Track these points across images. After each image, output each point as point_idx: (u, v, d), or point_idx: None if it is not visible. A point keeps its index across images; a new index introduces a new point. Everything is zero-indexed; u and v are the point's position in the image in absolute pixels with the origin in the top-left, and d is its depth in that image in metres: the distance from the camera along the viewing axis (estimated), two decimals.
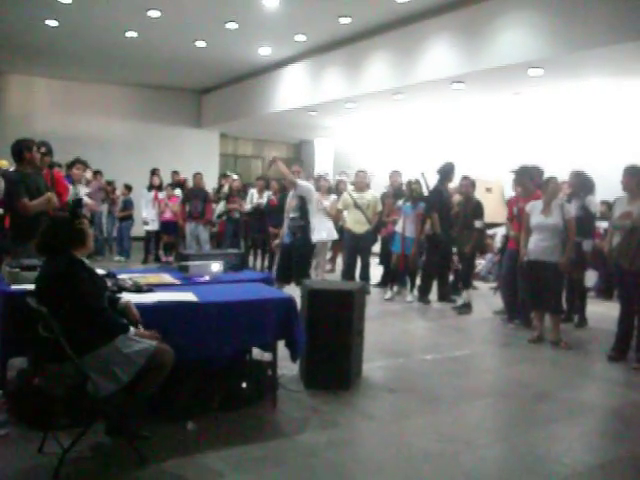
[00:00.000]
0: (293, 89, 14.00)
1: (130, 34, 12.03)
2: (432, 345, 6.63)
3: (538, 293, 6.74)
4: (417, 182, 9.18)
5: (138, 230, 13.32)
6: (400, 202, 9.27)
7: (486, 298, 9.37)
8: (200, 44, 12.69)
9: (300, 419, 4.34)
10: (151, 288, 4.34)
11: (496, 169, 8.03)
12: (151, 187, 12.78)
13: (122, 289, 4.19)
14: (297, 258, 7.23)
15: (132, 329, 3.51)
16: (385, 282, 9.46)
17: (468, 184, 8.34)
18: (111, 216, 13.46)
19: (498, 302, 8.17)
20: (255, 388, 4.52)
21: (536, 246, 6.66)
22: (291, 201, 7.49)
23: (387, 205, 9.57)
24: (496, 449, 4.01)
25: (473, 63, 9.75)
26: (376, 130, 16.69)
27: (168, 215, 12.41)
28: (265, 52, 13.46)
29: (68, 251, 3.49)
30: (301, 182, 7.56)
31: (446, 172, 9.02)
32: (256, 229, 11.46)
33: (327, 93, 12.92)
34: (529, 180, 7.46)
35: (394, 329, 7.32)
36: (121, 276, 4.76)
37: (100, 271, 4.75)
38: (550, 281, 6.61)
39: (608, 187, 7.54)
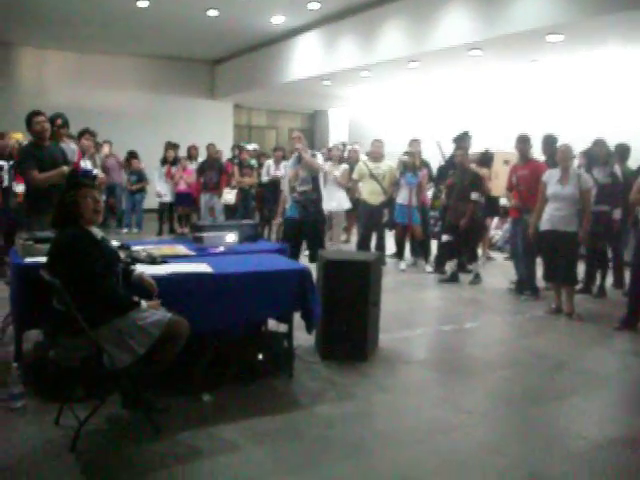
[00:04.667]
0: (307, 58, 13.81)
1: (141, 3, 11.87)
2: (448, 316, 6.57)
3: (553, 264, 6.65)
4: (409, 153, 9.09)
5: (149, 202, 13.30)
6: (397, 173, 9.19)
7: (501, 268, 9.28)
8: (212, 13, 12.50)
9: (316, 391, 4.31)
10: (165, 259, 4.30)
11: (514, 140, 7.88)
12: (165, 161, 12.69)
13: (136, 260, 4.15)
14: (312, 233, 7.04)
15: (144, 303, 3.47)
16: (400, 253, 9.38)
17: (462, 154, 8.22)
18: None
19: (512, 273, 8.09)
20: (271, 359, 4.49)
21: (551, 216, 6.54)
22: (293, 172, 7.24)
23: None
24: (514, 422, 3.96)
25: (490, 29, 9.53)
26: (391, 99, 16.48)
27: (183, 187, 12.36)
28: (278, 20, 13.26)
29: (76, 223, 3.44)
30: (306, 154, 7.26)
31: (461, 141, 8.87)
32: (272, 201, 11.39)
33: (341, 62, 12.73)
34: (527, 147, 7.40)
35: (410, 300, 7.27)
36: (135, 248, 4.73)
37: (114, 243, 4.75)
38: (565, 252, 6.51)
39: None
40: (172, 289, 3.87)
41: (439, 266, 8.82)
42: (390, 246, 9.78)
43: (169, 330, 3.41)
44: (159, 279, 3.80)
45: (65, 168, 5.70)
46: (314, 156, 7.19)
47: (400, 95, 15.87)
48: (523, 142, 7.38)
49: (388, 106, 17.02)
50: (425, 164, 9.62)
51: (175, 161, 12.63)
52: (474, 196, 7.95)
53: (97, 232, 3.56)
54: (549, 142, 7.84)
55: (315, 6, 12.05)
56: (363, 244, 9.45)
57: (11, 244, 7.28)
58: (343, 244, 10.89)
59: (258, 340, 4.55)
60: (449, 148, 9.16)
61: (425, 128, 13.90)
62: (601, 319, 6.52)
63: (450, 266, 8.31)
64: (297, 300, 4.25)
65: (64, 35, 14.65)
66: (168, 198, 12.59)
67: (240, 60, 16.80)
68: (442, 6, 10.24)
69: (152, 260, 4.22)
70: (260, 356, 4.42)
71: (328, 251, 5.30)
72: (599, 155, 7.42)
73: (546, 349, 5.48)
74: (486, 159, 9.34)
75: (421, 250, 9.37)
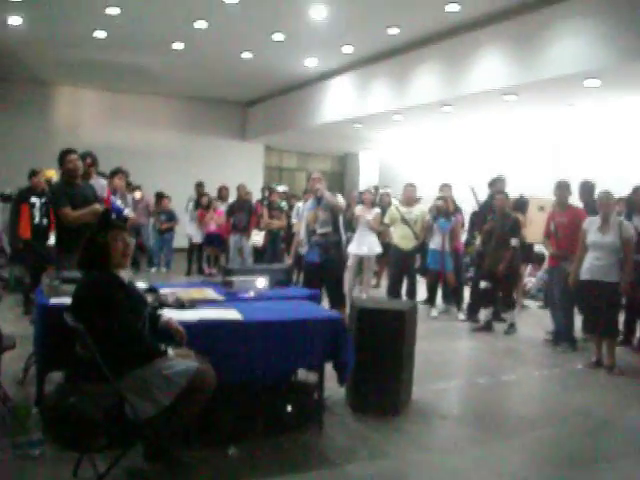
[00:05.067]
0: (339, 101, 13.81)
1: (176, 45, 12.00)
2: (483, 367, 6.31)
3: (593, 315, 6.39)
4: (442, 198, 8.94)
5: (178, 241, 13.24)
6: (428, 217, 9.02)
7: (535, 317, 8.99)
8: (246, 55, 12.60)
9: (347, 447, 4.09)
10: (193, 304, 4.15)
11: (549, 186, 7.71)
12: (198, 205, 12.66)
13: (163, 305, 4.01)
14: (332, 277, 6.65)
15: (171, 351, 3.31)
16: (432, 299, 9.17)
17: (503, 199, 8.01)
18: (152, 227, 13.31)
19: (547, 322, 7.82)
20: (300, 411, 4.28)
21: (591, 265, 6.31)
22: (312, 214, 6.86)
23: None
24: None
25: (526, 74, 9.42)
26: (423, 143, 16.40)
27: (212, 227, 12.30)
28: (311, 63, 13.32)
29: (103, 266, 3.31)
30: (327, 194, 6.94)
31: (496, 185, 8.70)
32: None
33: (374, 105, 12.70)
34: (566, 193, 7.21)
35: (443, 349, 7.02)
36: (163, 290, 4.60)
37: (141, 285, 4.62)
38: (605, 302, 6.25)
39: None
40: (200, 336, 3.71)
41: (472, 314, 8.57)
42: (421, 292, 9.56)
43: (196, 380, 3.25)
44: (187, 325, 3.65)
45: (97, 206, 5.64)
46: (334, 196, 6.97)
47: (432, 139, 15.79)
48: (562, 188, 7.19)
49: (420, 150, 16.93)
50: (457, 209, 9.45)
51: (209, 206, 12.55)
52: (514, 242, 7.74)
53: (124, 276, 3.43)
54: (586, 188, 7.64)
55: (349, 50, 12.08)
56: (393, 290, 9.24)
57: (39, 282, 7.23)
58: (373, 289, 10.69)
59: (287, 391, 4.34)
60: (483, 194, 8.97)
61: (457, 173, 13.75)
62: None
63: (485, 314, 8.06)
64: (329, 350, 4.07)
65: (99, 74, 14.85)
66: (198, 239, 12.52)
67: (272, 102, 16.90)
68: (476, 50, 10.17)
69: (180, 305, 4.08)
70: (289, 408, 4.22)
71: (361, 299, 5.12)
72: (639, 202, 7.19)
73: (588, 406, 5.19)
74: (520, 205, 9.13)
75: (454, 297, 9.14)
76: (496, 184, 8.60)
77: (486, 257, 7.97)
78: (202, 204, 12.57)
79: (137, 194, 12.88)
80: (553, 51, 8.97)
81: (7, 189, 11.36)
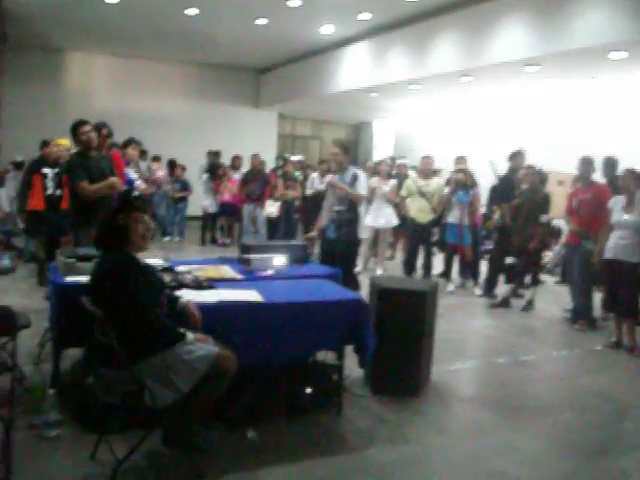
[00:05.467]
0: (355, 69, 13.54)
1: (190, 11, 11.75)
2: (501, 346, 6.23)
3: (614, 294, 6.29)
4: (462, 171, 8.79)
5: (191, 210, 13.15)
6: (446, 190, 8.90)
7: (553, 293, 8.87)
8: (261, 22, 12.34)
9: (367, 430, 4.03)
10: (212, 284, 4.07)
11: (569, 160, 7.53)
12: (212, 174, 12.50)
13: (181, 285, 3.93)
14: (341, 255, 6.35)
15: (190, 335, 3.24)
16: (448, 274, 9.06)
17: (533, 174, 7.81)
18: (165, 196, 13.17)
19: (564, 299, 7.72)
20: (319, 393, 4.22)
21: (615, 244, 6.20)
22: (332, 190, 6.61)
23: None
24: (586, 477, 3.62)
25: (549, 45, 9.13)
26: (441, 113, 16.12)
27: (227, 197, 12.19)
28: (327, 31, 13.03)
29: (120, 248, 3.22)
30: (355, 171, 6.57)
31: (516, 160, 8.51)
32: (316, 215, 11.12)
33: (390, 74, 12.43)
34: (590, 170, 7.04)
35: (461, 326, 6.93)
36: (180, 268, 4.53)
37: (158, 262, 4.55)
38: (627, 283, 6.14)
39: None
40: (219, 318, 3.64)
41: (489, 289, 8.47)
42: (437, 265, 9.46)
43: (216, 366, 3.17)
44: (206, 307, 3.57)
45: (114, 179, 5.56)
46: (356, 178, 6.37)
47: (450, 110, 15.51)
48: (586, 164, 7.02)
49: (437, 120, 16.65)
50: (475, 183, 9.28)
51: (223, 175, 12.40)
52: (544, 218, 7.61)
53: (143, 259, 3.34)
54: (609, 165, 7.49)
55: (366, 16, 11.79)
56: (409, 263, 9.18)
57: (53, 253, 7.17)
58: (388, 261, 10.60)
59: (306, 372, 4.28)
60: (502, 168, 8.79)
61: (475, 145, 13.54)
62: None
63: (505, 290, 7.95)
64: (351, 333, 3.98)
65: (111, 40, 14.62)
66: (213, 209, 12.40)
67: (286, 69, 16.63)
68: (498, 20, 9.88)
69: (198, 285, 3.99)
70: (308, 390, 4.15)
71: (382, 277, 5.01)
72: None
73: (609, 389, 5.11)
74: (539, 179, 8.96)
75: (470, 271, 9.04)
76: (516, 158, 8.41)
77: (514, 233, 7.78)
78: (218, 174, 12.44)
79: (155, 165, 12.77)
80: (577, 22, 8.68)
81: (18, 157, 11.31)
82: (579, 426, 4.35)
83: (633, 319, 6.30)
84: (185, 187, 12.73)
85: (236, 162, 12.65)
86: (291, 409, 4.09)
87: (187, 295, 3.69)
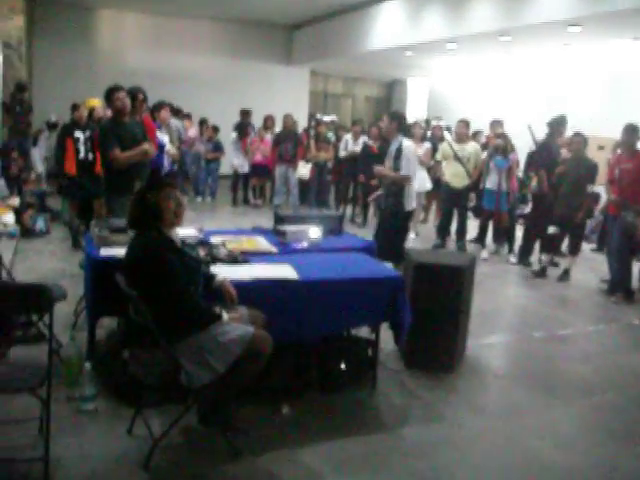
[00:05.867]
0: (389, 27, 13.19)
1: None
2: (537, 319, 6.11)
3: None
4: (502, 135, 8.59)
5: (222, 169, 13.07)
6: (483, 155, 8.71)
7: (589, 262, 8.69)
8: None
9: (402, 407, 4.01)
10: (247, 259, 4.03)
11: (611, 125, 7.29)
12: (241, 132, 12.36)
13: (216, 260, 3.90)
14: (385, 226, 6.29)
15: (225, 315, 3.20)
16: (482, 240, 8.93)
17: (581, 141, 7.56)
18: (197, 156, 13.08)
19: (600, 268, 7.56)
20: (354, 368, 4.19)
21: None
22: (388, 160, 6.42)
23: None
24: (624, 462, 3.55)
25: (593, 4, 8.81)
26: (478, 74, 15.73)
27: (259, 157, 12.09)
28: None
29: (153, 227, 3.18)
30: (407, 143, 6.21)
31: (557, 125, 8.26)
32: (349, 177, 11.02)
33: (426, 32, 12.09)
34: (634, 138, 6.77)
35: (496, 297, 6.82)
36: (214, 239, 4.49)
37: (192, 232, 4.51)
38: None
39: None
40: (254, 295, 3.60)
41: (524, 257, 8.33)
42: (470, 230, 9.32)
43: (252, 347, 3.14)
44: (241, 284, 3.53)
45: (147, 146, 5.50)
46: (399, 152, 6.05)
47: (487, 70, 15.13)
48: (630, 132, 6.78)
49: (473, 81, 16.25)
50: (512, 148, 9.06)
51: (246, 132, 12.28)
52: (590, 188, 7.38)
53: (177, 237, 3.30)
54: None
55: None
56: (443, 228, 9.08)
57: (88, 217, 7.20)
58: (421, 224, 10.47)
59: (340, 347, 4.24)
60: (540, 132, 8.55)
61: (512, 108, 13.21)
62: None
63: (544, 260, 7.80)
64: (387, 310, 3.92)
65: None
66: (244, 169, 12.30)
67: (319, 26, 16.28)
68: None
69: (233, 259, 3.95)
70: (343, 366, 4.12)
71: (418, 251, 4.92)
72: None
73: None
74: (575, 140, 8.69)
75: (506, 238, 8.89)
76: (556, 124, 8.16)
77: (557, 202, 7.56)
78: (247, 133, 12.32)
79: (187, 123, 12.67)
80: None
81: (53, 117, 11.32)
82: (617, 408, 4.26)
83: None
84: (217, 148, 12.62)
85: (268, 122, 12.49)
86: (326, 384, 4.08)
87: (221, 270, 3.65)
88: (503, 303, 6.73)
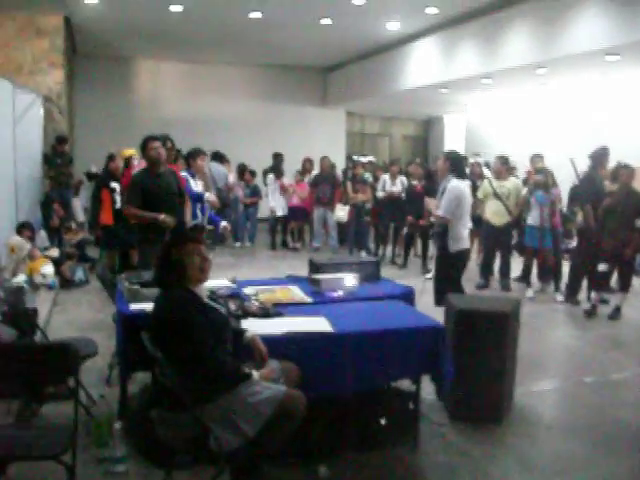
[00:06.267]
0: (423, 65, 13.15)
1: (254, 14, 11.63)
2: (589, 362, 5.82)
3: None
4: (542, 170, 8.37)
5: (260, 212, 13.04)
6: (524, 191, 8.50)
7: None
8: (325, 21, 12.11)
9: (446, 466, 3.77)
10: (279, 312, 3.88)
11: None
12: (277, 174, 12.32)
13: (247, 314, 3.76)
14: (435, 271, 6.26)
15: (255, 374, 3.05)
16: (527, 278, 8.65)
17: (629, 174, 7.28)
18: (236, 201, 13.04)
19: None
20: (394, 423, 3.98)
21: None
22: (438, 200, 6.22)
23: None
24: None
25: (630, 32, 8.59)
26: (515, 107, 15.50)
27: (296, 201, 12.04)
28: (394, 27, 12.69)
29: (178, 284, 3.06)
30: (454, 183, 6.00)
31: (600, 157, 8.00)
32: (388, 218, 10.86)
33: (460, 69, 12.00)
34: None
35: (543, 339, 6.53)
36: (247, 290, 4.37)
37: (224, 283, 4.41)
38: None
39: None
40: (286, 349, 3.45)
41: (571, 294, 8.03)
42: (514, 268, 9.05)
43: (284, 407, 2.97)
44: (273, 340, 3.39)
45: (162, 217, 5.40)
46: (444, 191, 5.97)
47: (524, 103, 14.89)
48: None
49: (511, 115, 16.01)
50: (554, 183, 8.81)
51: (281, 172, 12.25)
52: (639, 223, 7.07)
53: (204, 292, 3.18)
54: None
55: (433, 11, 11.40)
56: (486, 267, 8.87)
57: (127, 266, 7.18)
58: None
59: (379, 401, 4.04)
60: (582, 166, 8.30)
61: (552, 141, 12.94)
62: None
63: (594, 298, 7.47)
64: (428, 362, 3.72)
65: (178, 47, 14.70)
66: (282, 212, 12.23)
67: (353, 67, 16.35)
68: (574, 7, 9.32)
69: (265, 313, 3.81)
70: (383, 421, 3.92)
71: (459, 296, 4.72)
72: None
73: None
74: (621, 173, 8.41)
75: (552, 275, 8.59)
76: (599, 156, 7.90)
77: (606, 237, 7.25)
78: (282, 174, 12.26)
79: (230, 178, 12.69)
80: None
81: (93, 167, 11.46)
82: None
83: None
84: (255, 192, 12.62)
85: (307, 165, 12.48)
86: (364, 441, 3.87)
87: (253, 324, 3.52)
88: (551, 345, 6.44)
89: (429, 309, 5.04)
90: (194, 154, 7.17)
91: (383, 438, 3.92)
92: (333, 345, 3.53)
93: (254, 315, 3.77)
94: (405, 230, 10.56)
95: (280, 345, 3.42)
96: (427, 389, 4.12)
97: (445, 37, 12.40)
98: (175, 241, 3.15)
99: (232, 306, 3.75)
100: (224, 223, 7.12)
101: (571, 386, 5.22)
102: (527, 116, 15.33)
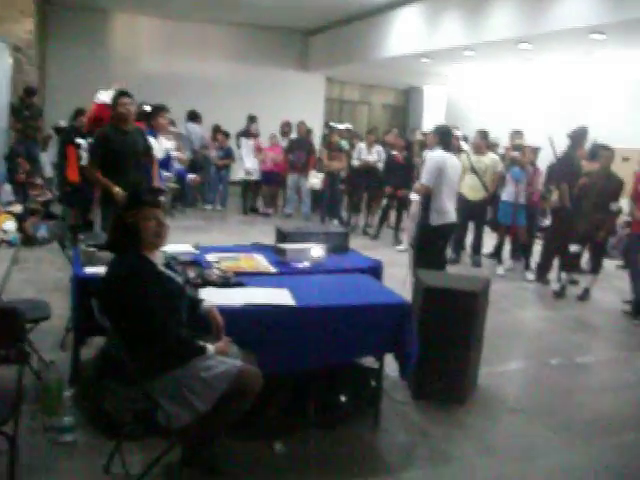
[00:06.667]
0: (406, 33, 12.86)
1: None
2: (555, 344, 5.76)
3: None
4: (519, 147, 8.38)
5: (233, 175, 12.78)
6: (500, 167, 8.43)
7: (611, 280, 8.29)
8: None
9: (406, 446, 3.68)
10: (241, 282, 3.73)
11: (635, 135, 6.96)
12: (248, 135, 12.06)
13: (207, 283, 3.60)
14: (416, 243, 6.07)
15: (210, 348, 2.90)
16: (499, 255, 8.58)
17: (610, 156, 7.18)
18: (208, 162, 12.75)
19: (623, 286, 7.23)
20: (356, 400, 3.87)
21: None
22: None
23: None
24: None
25: (616, 11, 8.44)
26: (497, 82, 15.31)
27: (269, 165, 11.82)
28: None
29: (133, 249, 2.90)
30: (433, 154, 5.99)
31: (579, 137, 7.89)
32: (363, 187, 10.71)
33: (443, 39, 11.74)
34: None
35: (511, 318, 6.46)
36: (209, 257, 4.22)
37: (187, 249, 4.26)
38: None
39: None
40: (245, 322, 3.31)
41: (541, 274, 7.98)
42: (488, 244, 8.98)
43: (238, 383, 2.84)
44: (232, 311, 3.24)
45: (117, 190, 5.15)
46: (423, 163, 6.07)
47: (507, 79, 14.71)
48: None
49: (492, 89, 15.83)
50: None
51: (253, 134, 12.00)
52: (614, 207, 7.04)
53: (160, 259, 3.01)
54: None
55: None
56: (458, 241, 8.77)
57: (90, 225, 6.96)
58: None
59: (340, 378, 3.92)
60: (562, 144, 8.20)
61: (533, 118, 12.82)
62: None
63: (564, 279, 7.43)
64: (392, 340, 3.60)
65: (156, 1, 14.21)
66: (255, 176, 11.99)
67: (335, 32, 15.97)
68: None
69: (225, 282, 3.65)
70: (343, 398, 3.81)
71: (429, 274, 4.60)
72: None
73: None
74: (596, 153, 8.31)
75: (523, 254, 8.54)
76: (578, 136, 7.80)
77: (579, 218, 7.19)
78: (252, 133, 12.01)
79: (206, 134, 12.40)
80: None
81: (62, 122, 11.10)
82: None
83: None
84: (228, 154, 12.35)
85: (285, 128, 12.25)
86: (324, 418, 3.76)
87: (212, 294, 3.37)
88: (519, 325, 6.37)
89: (397, 284, 4.95)
90: (154, 112, 6.72)
91: (342, 416, 3.81)
92: (294, 319, 3.40)
93: (214, 284, 3.61)
94: (385, 201, 10.43)
95: (239, 317, 3.27)
96: (391, 365, 3.99)
97: (430, 6, 12.13)
98: (130, 204, 2.97)
99: (191, 274, 3.60)
100: (191, 175, 6.88)
101: (536, 368, 5.16)
102: (509, 92, 15.19)
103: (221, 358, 2.89)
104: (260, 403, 3.10)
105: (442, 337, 4.13)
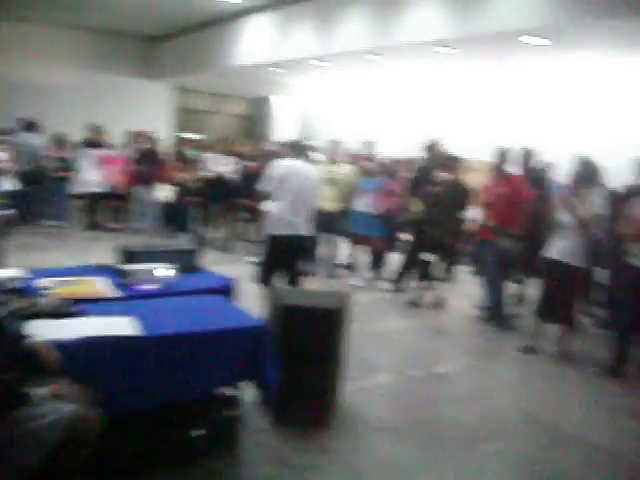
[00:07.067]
0: (257, 42, 12.71)
1: None
2: (415, 355, 5.75)
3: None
4: (370, 158, 8.41)
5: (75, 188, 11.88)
6: (355, 178, 8.52)
7: (463, 285, 8.49)
8: None
9: (270, 478, 3.41)
10: (80, 310, 3.29)
11: (482, 147, 7.20)
12: (90, 145, 11.32)
13: (38, 314, 3.14)
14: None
15: (39, 391, 2.48)
16: (353, 266, 8.56)
17: (458, 166, 7.34)
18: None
19: (475, 291, 7.41)
20: (212, 432, 3.54)
21: (557, 246, 5.73)
22: None
23: None
24: None
25: (458, 26, 8.71)
26: (349, 94, 15.50)
27: (113, 178, 11.10)
28: None
29: None
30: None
31: (433, 148, 8.05)
32: (215, 199, 10.35)
33: (294, 49, 11.72)
34: (506, 163, 6.68)
35: (370, 329, 6.33)
36: (42, 282, 3.72)
37: (16, 274, 3.75)
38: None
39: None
40: (83, 357, 2.88)
41: (398, 282, 8.00)
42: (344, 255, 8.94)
43: (73, 430, 2.44)
44: (67, 346, 2.82)
45: None
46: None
47: (359, 89, 14.91)
48: (499, 156, 6.68)
49: (345, 101, 16.00)
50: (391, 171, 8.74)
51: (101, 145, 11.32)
52: (461, 215, 7.22)
53: None
54: (526, 156, 7.18)
55: None
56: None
57: None
58: None
59: (196, 409, 3.56)
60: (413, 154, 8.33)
61: (388, 128, 13.06)
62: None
63: (419, 287, 7.50)
64: (249, 367, 3.32)
65: None
66: (99, 188, 11.21)
67: (184, 39, 15.56)
68: None
69: (60, 312, 3.20)
70: (199, 431, 3.47)
71: (285, 291, 4.34)
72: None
73: (535, 408, 4.73)
74: (451, 164, 8.48)
75: (376, 264, 8.55)
76: (432, 149, 7.95)
77: (431, 226, 7.26)
78: (99, 144, 11.30)
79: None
80: (491, 4, 8.31)
81: None
82: (510, 458, 3.91)
83: (569, 325, 5.90)
84: (66, 165, 11.39)
85: (133, 139, 11.64)
86: (179, 455, 3.41)
87: (45, 327, 2.93)
88: (377, 337, 6.25)
89: (253, 300, 4.71)
90: None
91: (200, 450, 3.48)
92: (139, 351, 3.03)
93: (47, 315, 3.15)
94: (239, 213, 10.14)
95: (76, 352, 2.85)
96: (247, 390, 3.71)
97: (281, 14, 12.06)
98: None
99: (18, 304, 3.13)
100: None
101: (398, 381, 5.07)
102: (362, 102, 15.41)
103: (52, 404, 2.48)
104: (106, 447, 2.71)
105: (302, 357, 3.91)
